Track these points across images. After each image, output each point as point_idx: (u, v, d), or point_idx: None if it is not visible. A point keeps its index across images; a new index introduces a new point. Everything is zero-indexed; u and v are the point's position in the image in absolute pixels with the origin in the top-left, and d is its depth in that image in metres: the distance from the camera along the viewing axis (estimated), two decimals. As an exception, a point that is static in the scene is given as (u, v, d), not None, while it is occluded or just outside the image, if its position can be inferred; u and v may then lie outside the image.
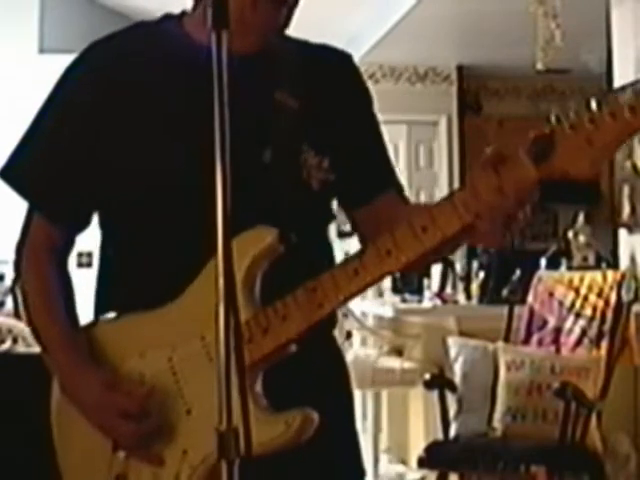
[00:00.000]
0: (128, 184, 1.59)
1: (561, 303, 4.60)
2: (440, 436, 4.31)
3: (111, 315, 1.64)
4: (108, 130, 1.59)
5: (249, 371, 1.44)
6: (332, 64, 1.72)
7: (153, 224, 1.60)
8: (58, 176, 1.63)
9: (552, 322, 4.61)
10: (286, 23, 1.63)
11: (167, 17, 1.69)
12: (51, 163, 1.64)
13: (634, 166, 5.07)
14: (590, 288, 4.50)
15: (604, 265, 5.46)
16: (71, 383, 1.60)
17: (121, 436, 1.54)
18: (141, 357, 1.56)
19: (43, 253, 1.66)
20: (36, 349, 1.71)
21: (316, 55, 1.72)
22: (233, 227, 1.32)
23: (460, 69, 8.43)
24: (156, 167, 1.57)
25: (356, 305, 5.43)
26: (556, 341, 4.54)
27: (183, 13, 1.69)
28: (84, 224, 1.68)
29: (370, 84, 1.82)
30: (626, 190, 5.21)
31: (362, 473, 1.73)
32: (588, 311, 4.44)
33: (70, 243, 1.69)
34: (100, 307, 1.68)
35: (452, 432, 4.34)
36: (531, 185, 1.34)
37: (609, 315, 4.33)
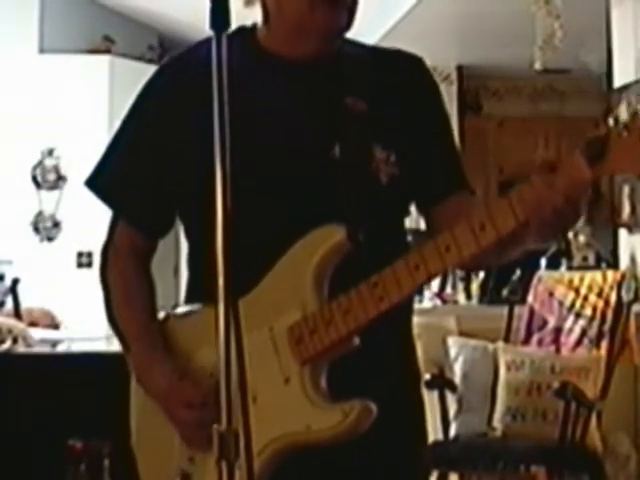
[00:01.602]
0: (192, 190, 1.66)
1: (561, 303, 4.60)
2: (440, 436, 4.31)
3: (183, 308, 1.72)
4: (173, 142, 1.69)
5: (313, 362, 1.52)
6: (402, 67, 1.76)
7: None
8: (138, 185, 1.74)
9: (552, 322, 4.61)
10: (348, 25, 1.69)
11: (241, 29, 1.71)
12: (131, 174, 1.75)
13: (634, 166, 5.06)
14: (590, 288, 4.50)
15: (604, 265, 5.46)
16: (145, 372, 1.67)
17: (181, 424, 1.60)
18: (212, 346, 1.57)
19: (126, 255, 1.76)
20: (36, 349, 1.72)
21: (386, 59, 1.76)
22: (303, 219, 1.56)
23: (460, 69, 8.41)
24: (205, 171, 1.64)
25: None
26: (556, 341, 4.55)
27: (255, 26, 1.73)
28: (164, 229, 1.79)
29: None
30: (626, 190, 5.21)
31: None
32: (588, 311, 4.45)
33: (152, 248, 1.79)
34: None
35: (452, 432, 4.34)
36: (583, 184, 1.42)
37: (609, 315, 4.33)
